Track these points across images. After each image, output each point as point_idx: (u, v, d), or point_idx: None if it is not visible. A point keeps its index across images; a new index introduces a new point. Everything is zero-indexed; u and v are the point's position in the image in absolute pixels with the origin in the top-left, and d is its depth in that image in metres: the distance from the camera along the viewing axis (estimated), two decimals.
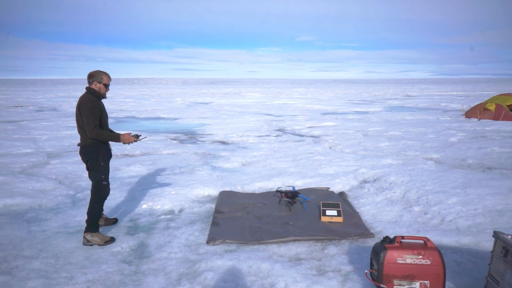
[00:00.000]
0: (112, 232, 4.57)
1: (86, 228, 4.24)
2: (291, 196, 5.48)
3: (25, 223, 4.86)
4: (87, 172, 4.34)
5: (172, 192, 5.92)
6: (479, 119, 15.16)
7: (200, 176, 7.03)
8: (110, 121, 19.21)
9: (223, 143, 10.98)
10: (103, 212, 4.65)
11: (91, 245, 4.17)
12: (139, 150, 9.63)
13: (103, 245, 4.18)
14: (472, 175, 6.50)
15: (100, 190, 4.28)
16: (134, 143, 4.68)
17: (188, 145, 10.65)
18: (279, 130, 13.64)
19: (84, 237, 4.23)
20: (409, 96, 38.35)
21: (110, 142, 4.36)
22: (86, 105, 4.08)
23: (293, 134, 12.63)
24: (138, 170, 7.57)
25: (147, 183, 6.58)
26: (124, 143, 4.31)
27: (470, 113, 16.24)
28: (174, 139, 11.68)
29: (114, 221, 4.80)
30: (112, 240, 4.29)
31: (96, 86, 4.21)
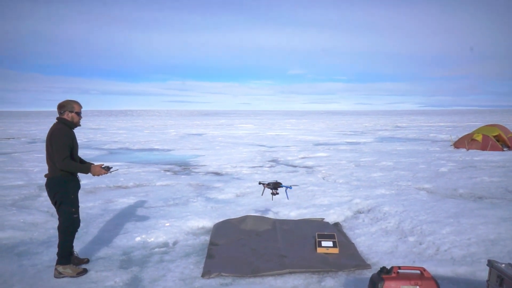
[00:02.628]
0: (105, 266, 4.49)
1: (57, 260, 4.16)
2: (274, 186, 5.47)
3: (16, 257, 4.76)
4: (54, 206, 4.16)
5: (166, 224, 5.87)
6: (468, 150, 15.47)
7: (194, 208, 7.00)
8: (103, 152, 18.92)
9: (217, 174, 10.99)
10: (75, 251, 4.47)
11: (63, 277, 4.09)
12: (132, 182, 9.59)
13: (76, 276, 4.10)
14: (464, 205, 6.59)
15: (71, 223, 4.15)
16: (105, 175, 4.53)
17: (182, 176, 10.63)
18: (273, 160, 13.73)
19: (55, 269, 4.14)
20: (399, 127, 39.07)
21: (79, 174, 4.26)
22: (57, 135, 3.99)
23: (286, 164, 12.71)
24: (131, 202, 7.51)
25: (140, 215, 6.52)
26: (94, 175, 4.20)
27: (458, 144, 16.58)
28: (168, 171, 11.67)
29: (86, 261, 4.53)
30: (84, 271, 4.21)
31: (68, 115, 4.15)
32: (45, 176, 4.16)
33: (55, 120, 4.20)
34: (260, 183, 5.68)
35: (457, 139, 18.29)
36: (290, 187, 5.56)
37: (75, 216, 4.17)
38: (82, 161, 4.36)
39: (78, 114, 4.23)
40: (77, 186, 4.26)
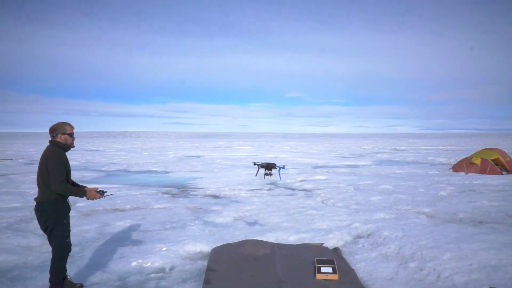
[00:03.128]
0: None
1: (50, 286, 4.08)
2: (267, 167, 5.45)
3: (9, 281, 4.65)
4: (45, 231, 4.05)
5: (163, 249, 5.78)
6: (466, 173, 15.46)
7: (192, 232, 6.91)
8: (101, 174, 18.80)
9: (215, 197, 10.91)
10: (68, 275, 4.37)
11: None
12: (130, 204, 9.50)
13: None
14: (464, 230, 6.53)
15: (64, 248, 4.10)
16: (99, 199, 4.52)
17: (180, 199, 10.55)
18: (271, 183, 13.67)
19: None
20: (397, 150, 39.16)
21: (70, 197, 4.21)
22: (53, 158, 3.96)
23: (285, 187, 12.65)
24: (128, 225, 7.42)
25: (137, 239, 6.43)
26: (88, 199, 4.20)
27: (457, 167, 16.58)
28: (166, 193, 11.58)
29: (79, 287, 4.42)
30: None
31: (61, 138, 4.13)
32: (35, 199, 4.08)
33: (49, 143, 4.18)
34: (254, 164, 5.69)
35: (455, 162, 18.31)
36: (283, 167, 5.59)
37: (67, 240, 4.12)
38: (74, 184, 4.32)
39: (71, 135, 4.21)
40: (68, 209, 4.21)
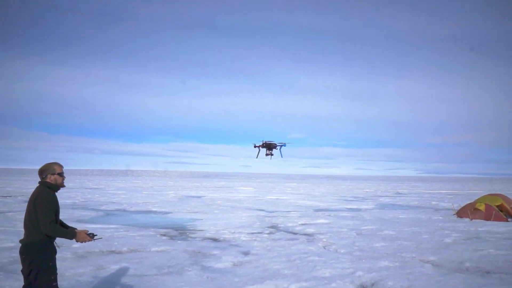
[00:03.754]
0: None
1: None
2: (268, 147, 5.25)
3: None
4: (28, 276, 3.88)
5: None
6: (471, 219, 15.16)
7: (189, 277, 6.68)
8: (99, 213, 18.55)
9: (215, 240, 10.66)
10: None
11: None
12: (127, 247, 9.27)
13: None
14: (471, 280, 6.29)
15: None
16: (89, 242, 4.37)
17: (178, 241, 10.31)
18: (272, 227, 13.40)
19: None
20: (399, 193, 38.74)
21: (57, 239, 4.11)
22: (42, 199, 3.94)
23: (286, 231, 12.38)
24: (124, 269, 7.19)
25: (132, 284, 6.20)
26: (78, 241, 4.12)
27: (461, 213, 16.30)
28: (164, 235, 11.34)
29: None
30: None
31: (51, 178, 4.11)
32: (20, 241, 3.96)
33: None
34: (255, 146, 5.54)
35: (459, 208, 18.03)
36: (285, 145, 5.44)
37: (54, 284, 3.95)
38: (63, 225, 4.23)
39: (61, 175, 4.18)
40: (55, 252, 4.09)
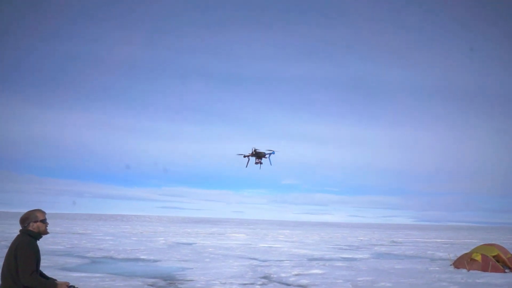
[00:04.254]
0: None
1: None
2: (258, 156, 5.13)
3: None
4: None
5: None
6: (468, 270, 14.82)
7: None
8: (85, 261, 17.87)
9: None
10: None
11: None
12: None
13: None
14: None
15: None
16: None
17: None
18: (265, 277, 12.93)
19: None
20: (395, 242, 38.05)
21: None
22: (23, 248, 3.80)
23: (279, 282, 11.94)
24: None
25: None
26: None
27: (458, 263, 15.96)
28: (152, 285, 10.85)
29: None
30: None
31: (33, 226, 3.99)
32: None
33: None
34: (244, 156, 5.45)
35: (456, 258, 17.68)
36: (273, 152, 5.36)
37: None
38: (43, 275, 4.04)
39: (43, 221, 4.06)
40: None
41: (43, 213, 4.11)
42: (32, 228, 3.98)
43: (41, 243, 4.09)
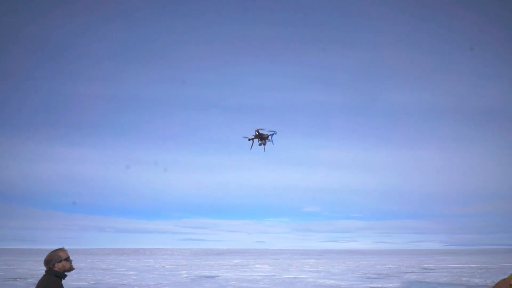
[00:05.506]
0: None
1: None
2: (261, 138, 5.09)
3: None
4: None
5: None
6: None
7: None
8: None
9: None
10: None
11: None
12: None
13: None
14: None
15: None
16: None
17: None
18: None
19: None
20: (426, 269, 36.29)
21: None
22: None
23: None
24: None
25: None
26: None
27: None
28: None
29: None
30: None
31: (59, 266, 4.04)
32: None
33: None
34: (249, 139, 5.48)
35: (493, 284, 16.64)
36: (275, 133, 5.42)
37: None
38: None
39: (67, 259, 4.10)
40: None
41: (65, 251, 4.15)
42: (57, 269, 4.02)
43: (66, 279, 4.10)
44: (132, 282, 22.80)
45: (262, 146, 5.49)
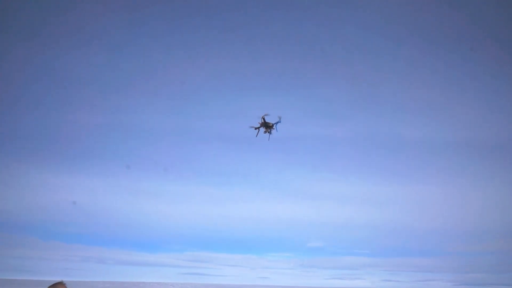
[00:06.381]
0: None
1: None
2: (266, 126, 5.51)
3: None
4: None
5: None
6: None
7: None
8: None
9: None
10: None
11: None
12: None
13: None
14: None
15: None
16: None
17: None
18: None
19: None
20: None
21: None
22: None
23: None
24: None
25: None
26: None
27: None
28: None
29: None
30: None
31: None
32: None
33: None
34: (255, 128, 5.96)
35: None
36: (280, 121, 5.94)
37: None
38: None
39: None
40: None
41: (64, 285, 4.47)
42: None
43: None
44: None
45: (268, 134, 5.96)
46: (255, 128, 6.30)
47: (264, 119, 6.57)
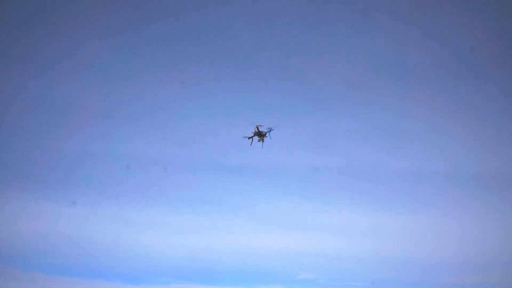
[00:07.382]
0: None
1: None
2: (259, 135, 4.45)
3: None
4: None
5: None
6: None
7: None
8: None
9: None
10: None
11: None
12: None
13: None
14: None
15: None
16: None
17: None
18: None
19: None
20: None
21: None
22: None
23: None
24: None
25: None
26: None
27: None
28: None
29: None
30: None
31: None
32: None
33: None
34: (249, 138, 4.95)
35: None
36: (273, 129, 4.92)
37: None
38: None
39: None
40: None
41: None
42: None
43: None
44: None
45: (261, 142, 5.53)
46: (249, 138, 5.98)
47: (257, 128, 6.29)
